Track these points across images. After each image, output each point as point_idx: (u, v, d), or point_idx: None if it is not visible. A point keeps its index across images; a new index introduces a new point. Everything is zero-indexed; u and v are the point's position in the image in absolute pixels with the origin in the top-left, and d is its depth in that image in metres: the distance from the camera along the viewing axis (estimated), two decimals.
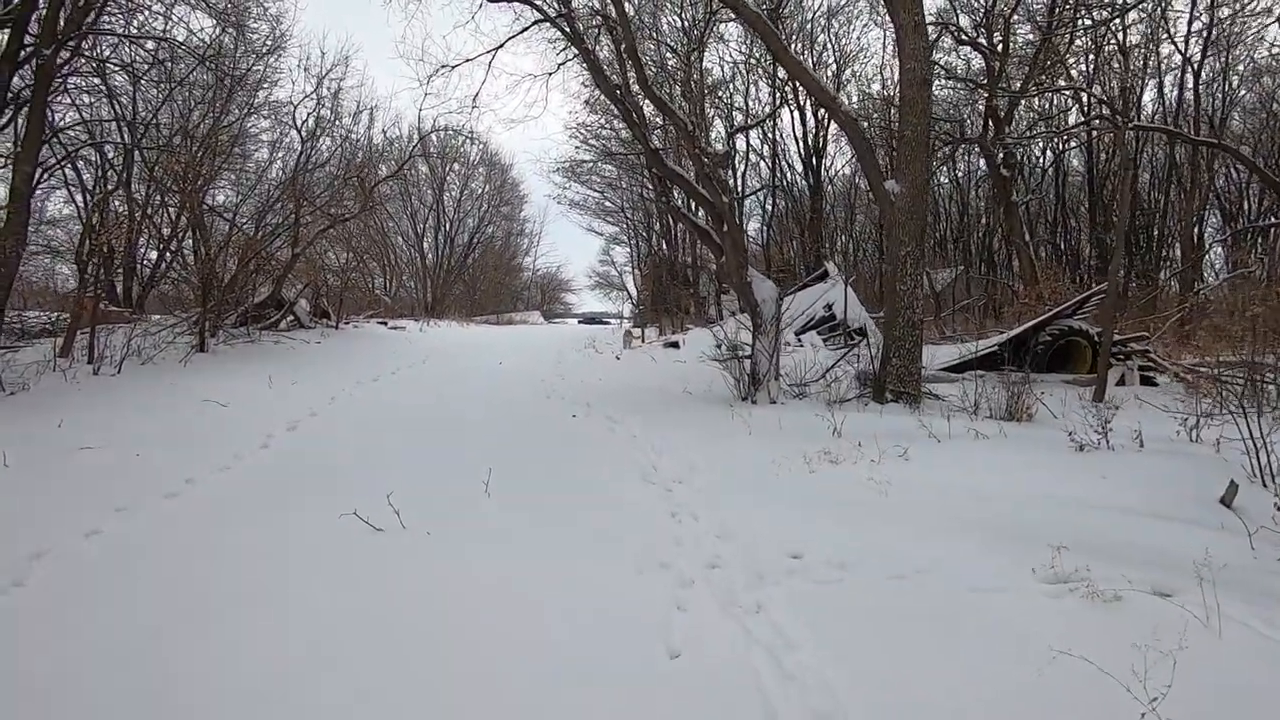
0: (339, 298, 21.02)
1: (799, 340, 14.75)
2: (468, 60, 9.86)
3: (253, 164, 19.50)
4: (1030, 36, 18.33)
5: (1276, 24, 14.80)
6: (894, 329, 7.49)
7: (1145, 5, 15.70)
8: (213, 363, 11.51)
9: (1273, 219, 17.53)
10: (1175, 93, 19.04)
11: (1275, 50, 16.72)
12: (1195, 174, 16.09)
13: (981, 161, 24.65)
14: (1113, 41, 19.41)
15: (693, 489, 4.69)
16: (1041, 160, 24.92)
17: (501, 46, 9.72)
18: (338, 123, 20.10)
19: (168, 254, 15.90)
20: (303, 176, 18.75)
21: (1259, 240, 18.68)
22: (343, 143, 19.72)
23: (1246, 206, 20.96)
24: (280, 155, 19.50)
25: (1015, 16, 17.64)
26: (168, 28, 12.63)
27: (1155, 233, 19.68)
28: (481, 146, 42.56)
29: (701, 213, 8.67)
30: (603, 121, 19.99)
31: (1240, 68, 19.48)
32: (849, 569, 3.16)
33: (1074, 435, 4.45)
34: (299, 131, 18.81)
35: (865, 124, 7.57)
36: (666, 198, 8.71)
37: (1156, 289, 13.17)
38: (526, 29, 9.61)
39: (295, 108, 18.31)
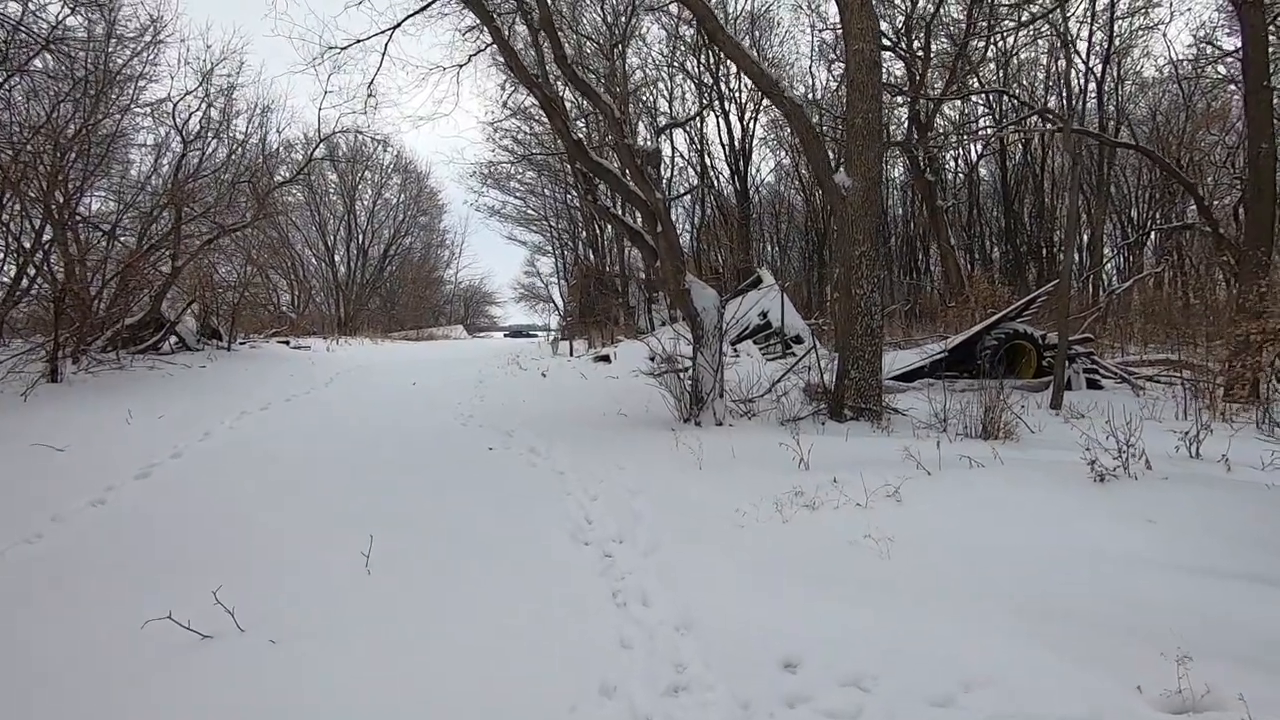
0: (231, 315, 18.87)
1: (734, 350, 14.01)
2: (359, 41, 8.57)
3: (135, 171, 17.30)
4: (947, 46, 18.52)
5: (1162, 36, 15.38)
6: (851, 337, 6.71)
7: (1048, 19, 16.01)
8: (63, 395, 9.65)
9: (1177, 221, 18.23)
10: (1079, 101, 19.66)
11: (1161, 64, 17.43)
12: (1102, 178, 16.46)
13: (898, 168, 24.99)
14: (1022, 51, 19.96)
15: (638, 551, 3.65)
16: (955, 169, 25.45)
17: (398, 26, 8.48)
18: (227, 125, 18.08)
19: (30, 269, 13.58)
20: (187, 181, 16.71)
21: (1157, 241, 19.46)
22: (235, 147, 17.71)
23: (1137, 212, 22.01)
24: (167, 160, 17.35)
25: (934, 24, 17.72)
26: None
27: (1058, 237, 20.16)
28: (395, 153, 40.53)
29: (637, 217, 7.70)
30: (521, 124, 18.85)
31: (1132, 77, 20.42)
32: (870, 690, 2.20)
33: (1096, 464, 3.69)
34: (181, 133, 16.70)
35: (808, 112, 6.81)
36: (593, 196, 7.68)
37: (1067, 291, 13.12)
38: (427, 6, 8.42)
39: (175, 105, 16.21)
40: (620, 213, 9.06)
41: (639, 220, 7.81)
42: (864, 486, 4.05)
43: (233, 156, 17.91)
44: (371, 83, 9.72)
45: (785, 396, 8.41)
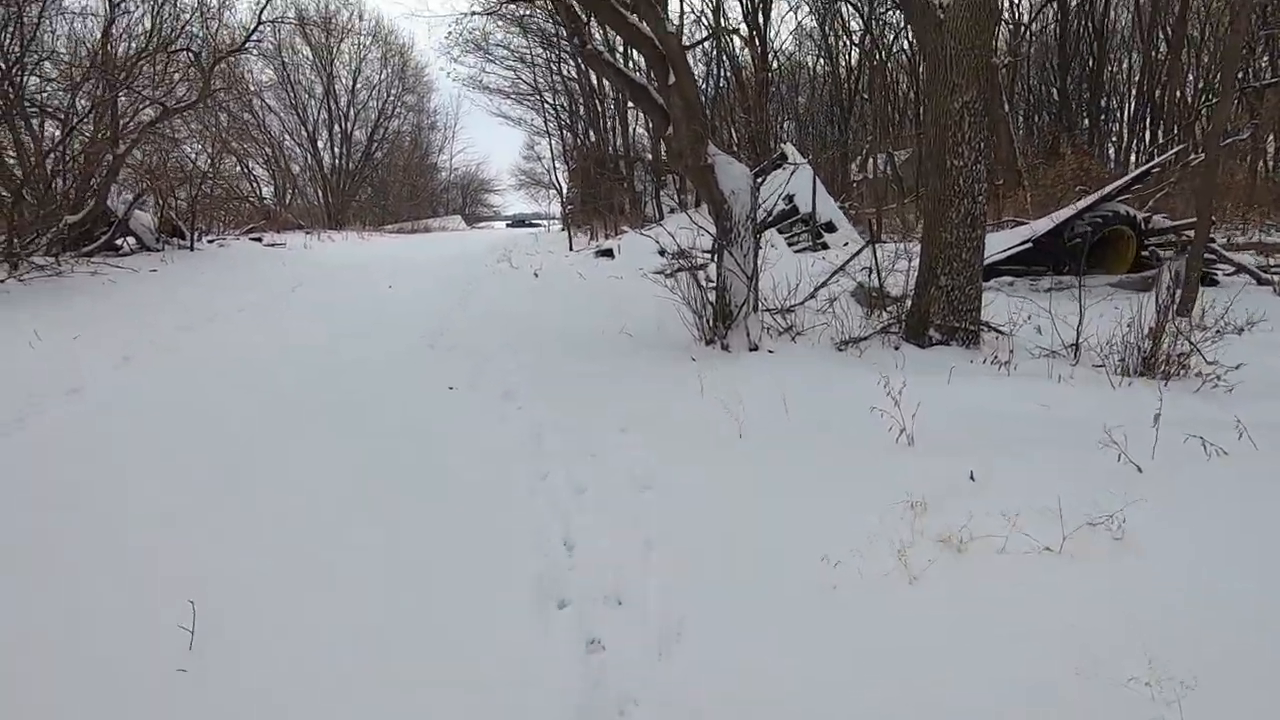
0: (190, 210, 16.82)
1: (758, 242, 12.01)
2: None
3: (64, 39, 14.70)
4: None
5: None
6: (942, 228, 4.80)
7: None
8: None
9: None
10: None
11: None
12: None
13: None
14: None
15: (650, 636, 2.03)
16: (1015, 12, 21.89)
17: None
18: None
19: None
20: (118, 49, 14.16)
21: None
22: (160, 2, 14.87)
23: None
24: (91, 23, 14.68)
25: None
26: None
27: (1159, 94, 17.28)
28: (372, 22, 36.43)
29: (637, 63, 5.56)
30: None
31: None
32: None
33: None
34: None
35: None
36: (580, 38, 5.54)
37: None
38: None
39: None
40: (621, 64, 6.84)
41: (647, 75, 5.74)
42: (1031, 493, 2.37)
43: (164, 20, 15.13)
44: None
45: (835, 304, 6.59)
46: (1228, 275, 8.51)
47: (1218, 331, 3.94)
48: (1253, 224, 12.14)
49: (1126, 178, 8.11)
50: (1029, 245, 7.73)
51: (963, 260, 4.77)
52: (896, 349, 5.01)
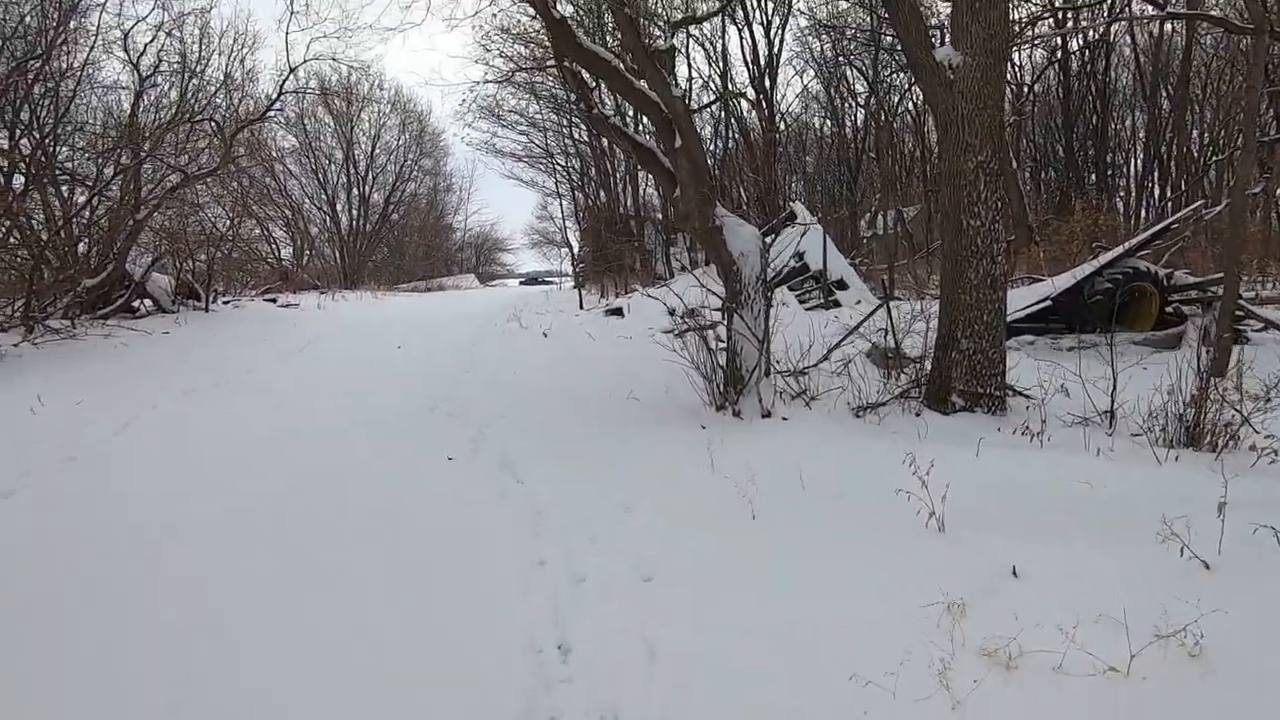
0: (208, 272, 17.07)
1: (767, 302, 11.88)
2: None
3: (97, 112, 15.23)
4: None
5: None
6: (960, 289, 4.60)
7: None
8: None
9: None
10: None
11: None
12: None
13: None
14: None
15: None
16: (1016, 74, 22.28)
17: None
18: (203, 61, 15.71)
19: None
20: (148, 120, 14.61)
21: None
22: (190, 78, 15.41)
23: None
24: (121, 96, 15.21)
25: None
26: None
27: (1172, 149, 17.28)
28: (391, 92, 37.81)
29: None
30: (505, 41, 16.23)
31: None
32: None
33: None
34: (135, 67, 14.36)
35: None
36: (588, 103, 5.53)
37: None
38: None
39: (128, 35, 13.84)
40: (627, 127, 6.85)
41: (654, 138, 5.71)
42: (1086, 594, 2.09)
43: (190, 92, 15.66)
44: None
45: (850, 366, 6.36)
46: (1256, 331, 8.22)
47: (1267, 400, 3.66)
48: (1272, 276, 11.90)
49: (1147, 232, 7.93)
50: (1048, 303, 7.51)
51: (984, 323, 4.56)
52: (917, 415, 4.75)
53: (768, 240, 12.30)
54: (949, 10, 4.66)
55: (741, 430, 4.80)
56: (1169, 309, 8.37)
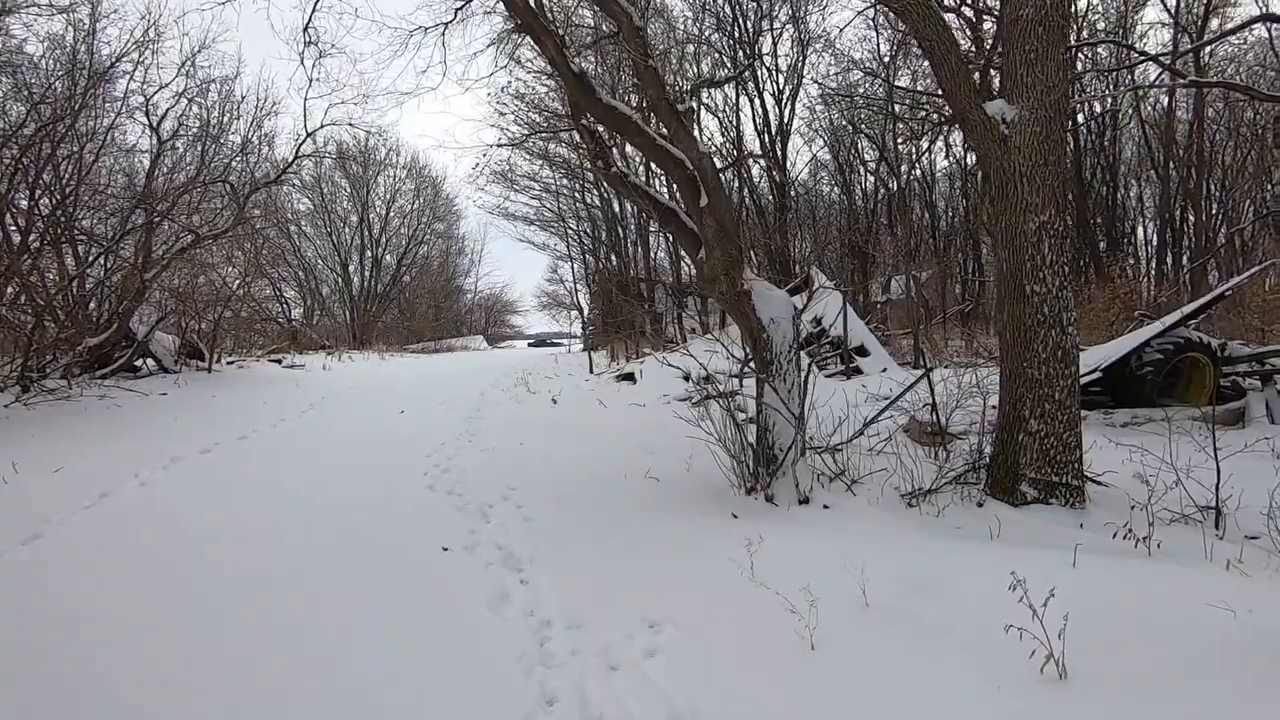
0: (213, 332, 16.83)
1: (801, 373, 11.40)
2: None
3: (118, 174, 15.31)
4: None
5: None
6: (1027, 363, 4.07)
7: None
8: None
9: None
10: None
11: None
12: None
13: (957, 144, 21.90)
14: None
15: None
16: None
17: None
18: (219, 127, 15.88)
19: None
20: (163, 182, 14.62)
21: None
22: (209, 142, 15.49)
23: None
24: (139, 159, 15.31)
25: None
26: None
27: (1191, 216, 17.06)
28: (410, 157, 38.67)
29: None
30: (517, 106, 16.36)
31: None
32: None
33: None
34: (155, 131, 14.48)
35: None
36: (605, 161, 5.18)
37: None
38: None
39: (150, 100, 14.01)
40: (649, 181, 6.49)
41: (672, 196, 5.35)
42: None
43: (208, 155, 15.73)
44: (307, 26, 7.15)
45: (889, 442, 5.77)
46: None
47: None
48: None
49: (1201, 300, 7.43)
50: (1097, 374, 6.95)
51: (1055, 401, 4.00)
52: (979, 506, 4.14)
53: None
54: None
55: (779, 521, 4.19)
56: (1225, 382, 7.80)
